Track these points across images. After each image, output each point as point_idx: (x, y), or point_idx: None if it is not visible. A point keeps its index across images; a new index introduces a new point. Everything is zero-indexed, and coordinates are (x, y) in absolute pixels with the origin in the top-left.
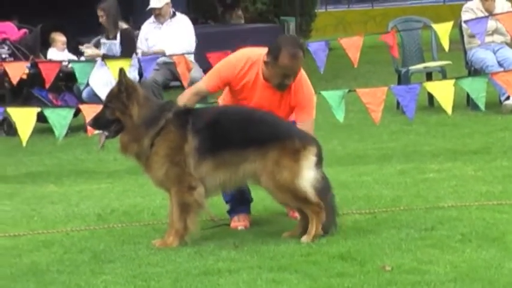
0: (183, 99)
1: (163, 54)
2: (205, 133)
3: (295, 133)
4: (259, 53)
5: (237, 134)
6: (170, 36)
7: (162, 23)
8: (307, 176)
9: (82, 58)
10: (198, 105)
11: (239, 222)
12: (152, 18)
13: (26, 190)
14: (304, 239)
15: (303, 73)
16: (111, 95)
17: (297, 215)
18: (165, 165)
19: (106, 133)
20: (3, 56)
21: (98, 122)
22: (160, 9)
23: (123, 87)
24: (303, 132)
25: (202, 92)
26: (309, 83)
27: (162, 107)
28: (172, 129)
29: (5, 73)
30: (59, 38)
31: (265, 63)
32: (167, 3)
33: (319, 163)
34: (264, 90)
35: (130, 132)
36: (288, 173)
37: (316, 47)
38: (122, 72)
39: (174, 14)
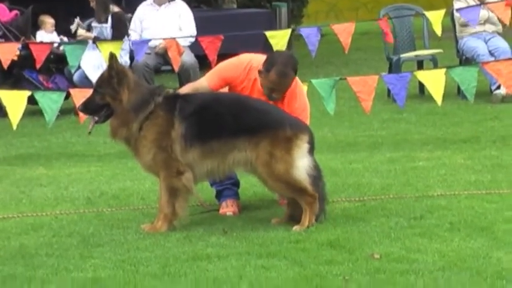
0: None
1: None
2: (192, 119)
3: (286, 121)
4: (260, 59)
5: (227, 121)
6: (168, 19)
7: (160, 5)
8: (302, 165)
9: (78, 31)
10: None
11: (227, 208)
12: (150, 1)
13: (15, 172)
14: (297, 228)
15: (299, 84)
16: (102, 80)
17: (286, 202)
18: (153, 150)
19: (96, 118)
20: None
21: (88, 107)
22: None
23: (114, 73)
24: (294, 119)
25: (203, 88)
26: (304, 96)
27: (152, 91)
28: (161, 113)
29: None
30: (48, 20)
31: (259, 72)
32: None
33: (311, 150)
34: (260, 96)
35: (120, 117)
36: (282, 164)
37: (308, 31)
38: (113, 57)
39: None
